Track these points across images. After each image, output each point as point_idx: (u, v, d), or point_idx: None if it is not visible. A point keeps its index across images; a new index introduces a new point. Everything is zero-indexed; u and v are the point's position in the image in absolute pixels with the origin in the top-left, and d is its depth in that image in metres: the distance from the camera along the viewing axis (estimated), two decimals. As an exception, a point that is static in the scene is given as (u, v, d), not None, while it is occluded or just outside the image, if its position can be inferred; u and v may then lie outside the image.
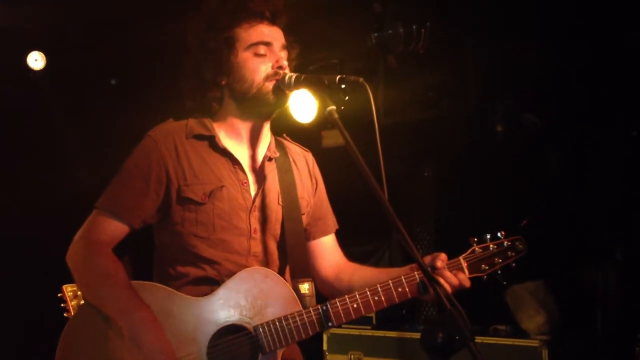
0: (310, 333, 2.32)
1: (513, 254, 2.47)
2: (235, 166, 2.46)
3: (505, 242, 2.47)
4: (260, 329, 2.28)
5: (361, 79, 2.20)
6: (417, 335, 4.37)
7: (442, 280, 2.30)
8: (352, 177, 2.78)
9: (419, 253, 2.02)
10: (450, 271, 2.37)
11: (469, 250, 2.45)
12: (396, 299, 2.37)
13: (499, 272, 2.46)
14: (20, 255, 5.35)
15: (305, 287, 2.39)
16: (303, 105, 4.77)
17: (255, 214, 2.45)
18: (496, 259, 2.45)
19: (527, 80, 4.31)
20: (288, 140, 2.71)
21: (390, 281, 2.36)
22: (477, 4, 4.17)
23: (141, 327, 2.18)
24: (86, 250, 2.36)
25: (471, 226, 2.67)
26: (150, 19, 4.59)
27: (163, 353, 2.16)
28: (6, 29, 4.79)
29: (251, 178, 2.48)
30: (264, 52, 2.45)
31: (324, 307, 2.32)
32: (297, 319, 2.31)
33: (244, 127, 2.51)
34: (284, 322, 2.29)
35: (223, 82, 2.47)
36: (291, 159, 2.62)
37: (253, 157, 2.52)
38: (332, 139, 5.21)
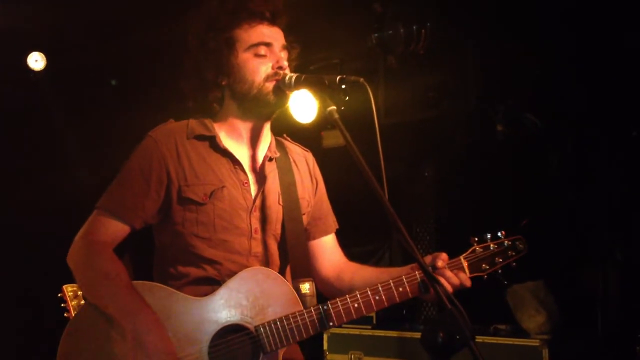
0: (312, 332, 2.32)
1: (513, 253, 2.47)
2: (236, 166, 2.46)
3: (506, 242, 2.48)
4: (262, 329, 2.28)
5: (361, 79, 2.20)
6: (417, 335, 4.37)
7: (442, 280, 2.31)
8: (352, 177, 2.80)
9: (420, 253, 2.02)
10: (451, 271, 2.37)
11: (470, 250, 2.45)
12: (397, 299, 2.37)
13: (500, 271, 2.46)
14: (20, 255, 5.35)
15: (306, 287, 2.40)
16: (303, 106, 4.78)
17: (256, 214, 2.45)
18: (497, 259, 2.45)
19: (527, 80, 4.31)
20: (288, 141, 2.71)
21: (391, 281, 2.37)
22: (477, 5, 4.17)
23: (144, 328, 2.18)
24: (87, 251, 2.36)
25: (471, 226, 2.67)
26: (150, 19, 4.59)
27: (166, 353, 2.16)
28: (6, 29, 4.79)
29: (252, 178, 2.48)
30: (264, 53, 2.45)
31: (325, 307, 2.33)
32: (299, 318, 2.31)
33: (245, 127, 2.51)
34: (285, 322, 2.30)
35: (224, 83, 2.47)
36: (291, 159, 2.63)
37: (253, 158, 2.52)
38: (333, 139, 5.21)
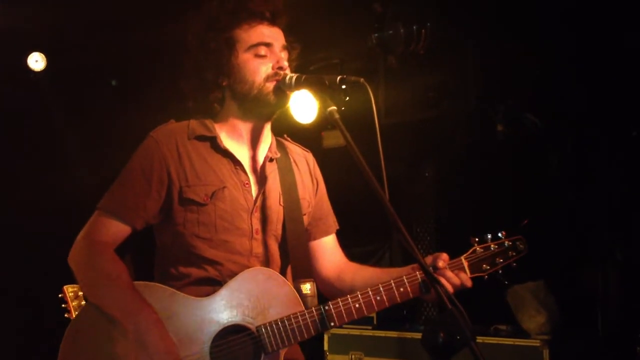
0: (313, 333, 2.32)
1: (514, 253, 2.48)
2: (237, 167, 2.46)
3: (506, 242, 2.48)
4: (263, 329, 2.28)
5: (362, 80, 2.20)
6: (418, 335, 4.37)
7: (443, 280, 2.31)
8: (352, 178, 2.80)
9: (420, 253, 2.02)
10: (452, 271, 2.37)
11: (470, 250, 2.45)
12: (398, 299, 2.37)
13: (500, 271, 2.46)
14: (20, 255, 5.35)
15: (307, 288, 2.40)
16: (304, 106, 4.78)
17: (257, 214, 2.45)
18: (497, 259, 2.45)
19: (527, 80, 4.32)
20: (289, 141, 2.71)
21: (392, 281, 2.37)
22: (477, 5, 4.18)
23: (146, 328, 2.18)
24: (89, 251, 2.36)
25: (471, 226, 2.67)
26: (150, 19, 4.59)
27: (168, 353, 2.16)
28: (6, 29, 4.79)
29: (252, 179, 2.48)
30: (264, 53, 2.44)
31: (326, 307, 2.33)
32: (300, 319, 2.31)
33: (245, 127, 2.51)
34: (286, 322, 2.30)
35: (224, 83, 2.47)
36: (292, 160, 2.62)
37: (254, 158, 2.52)
38: (333, 139, 5.22)
